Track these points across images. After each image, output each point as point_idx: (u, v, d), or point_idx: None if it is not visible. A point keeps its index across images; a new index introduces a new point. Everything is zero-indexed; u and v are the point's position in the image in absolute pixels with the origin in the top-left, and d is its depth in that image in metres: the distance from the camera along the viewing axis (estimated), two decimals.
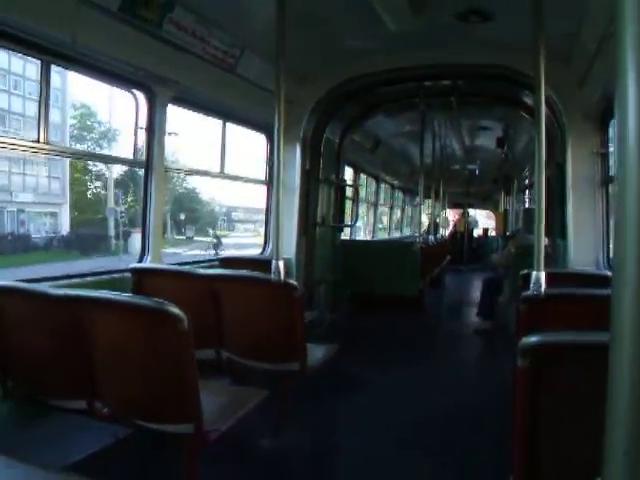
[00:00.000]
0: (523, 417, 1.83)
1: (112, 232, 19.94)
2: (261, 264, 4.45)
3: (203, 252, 19.84)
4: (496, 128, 10.08)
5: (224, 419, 2.54)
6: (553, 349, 1.78)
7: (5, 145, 3.47)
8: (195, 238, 25.55)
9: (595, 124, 5.04)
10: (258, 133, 6.09)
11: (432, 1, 4.29)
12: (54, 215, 20.91)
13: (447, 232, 18.73)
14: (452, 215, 21.24)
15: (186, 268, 4.25)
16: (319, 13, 4.50)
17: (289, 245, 5.83)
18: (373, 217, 13.57)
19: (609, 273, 4.27)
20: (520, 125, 9.05)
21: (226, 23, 4.42)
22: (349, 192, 8.20)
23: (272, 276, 3.35)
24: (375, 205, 13.59)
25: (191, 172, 6.14)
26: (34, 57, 3.49)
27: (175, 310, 2.25)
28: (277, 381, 3.56)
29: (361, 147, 9.66)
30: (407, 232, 17.19)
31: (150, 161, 4.35)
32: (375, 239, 13.38)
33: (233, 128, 5.61)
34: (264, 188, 6.21)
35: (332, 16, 4.61)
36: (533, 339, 1.76)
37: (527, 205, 13.63)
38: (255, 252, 6.45)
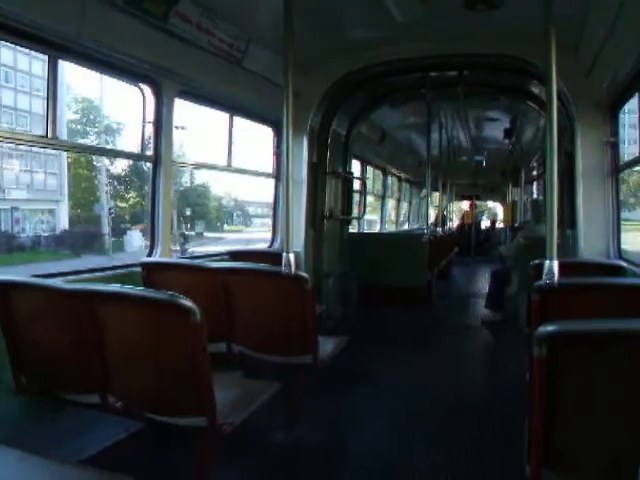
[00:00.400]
0: (540, 407, 1.82)
1: (107, 229, 19.37)
2: (270, 257, 4.45)
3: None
4: (503, 119, 10.02)
5: (237, 412, 2.53)
6: (570, 338, 1.76)
7: (13, 140, 3.48)
8: (206, 234, 25.14)
9: (604, 113, 4.99)
10: (265, 126, 6.06)
11: None
12: (52, 212, 20.36)
13: (455, 224, 18.71)
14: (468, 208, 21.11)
15: (196, 262, 4.25)
16: (325, 4, 4.48)
17: (297, 238, 5.81)
18: (381, 210, 13.56)
19: (621, 263, 4.25)
20: (528, 116, 9.00)
21: (232, 15, 4.40)
22: (357, 185, 8.18)
23: (283, 269, 3.34)
24: (383, 198, 13.56)
25: (199, 166, 6.12)
26: (40, 52, 3.49)
27: (187, 303, 2.24)
28: (289, 374, 3.55)
29: (368, 139, 9.64)
30: (415, 225, 17.15)
31: (158, 155, 4.33)
32: (383, 232, 13.36)
33: (241, 121, 5.60)
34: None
35: (338, 7, 4.58)
36: (550, 328, 1.75)
37: (535, 196, 13.58)
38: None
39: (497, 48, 5.42)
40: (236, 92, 5.08)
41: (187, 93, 4.58)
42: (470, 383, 4.86)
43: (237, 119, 5.50)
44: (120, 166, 22.80)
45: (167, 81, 4.26)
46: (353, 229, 8.97)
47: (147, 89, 4.25)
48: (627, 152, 5.24)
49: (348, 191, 7.62)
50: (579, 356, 1.77)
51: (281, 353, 3.47)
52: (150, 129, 4.32)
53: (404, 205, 16.66)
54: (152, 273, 3.76)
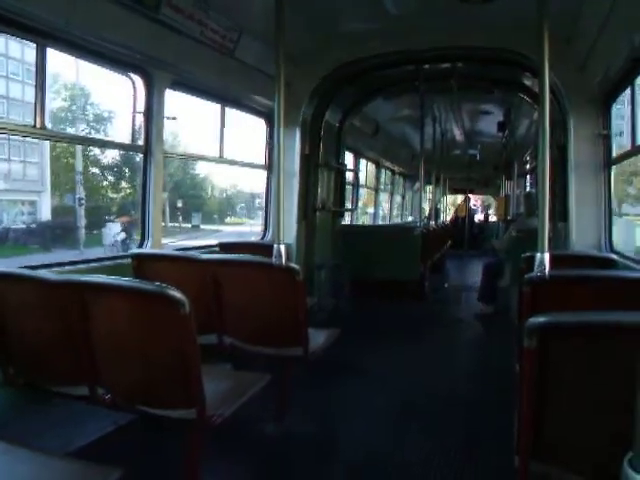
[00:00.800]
0: (529, 398, 1.82)
1: (82, 222, 17.70)
2: (260, 249, 4.43)
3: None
4: (497, 112, 10.04)
5: (227, 404, 2.53)
6: (560, 330, 1.76)
7: (2, 130, 3.44)
8: (203, 227, 24.50)
9: (597, 106, 4.99)
10: (257, 117, 6.03)
11: None
12: (33, 204, 19.10)
13: (448, 217, 18.74)
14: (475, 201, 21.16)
15: (187, 253, 4.23)
16: None
17: (289, 230, 5.80)
18: (374, 203, 13.57)
19: (613, 256, 4.26)
20: (521, 109, 9.00)
21: (224, 6, 4.36)
22: (349, 177, 8.17)
23: (274, 260, 3.33)
24: (376, 191, 13.55)
25: (190, 157, 6.10)
26: (28, 40, 3.44)
27: (176, 294, 2.23)
28: (279, 366, 3.55)
29: (361, 132, 9.63)
30: (409, 218, 17.18)
31: (149, 146, 4.31)
32: (376, 224, 13.36)
33: (235, 113, 5.57)
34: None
35: None
36: (540, 320, 1.75)
37: (528, 189, 13.60)
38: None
39: (491, 41, 5.42)
40: (228, 83, 5.05)
41: (179, 84, 4.55)
42: (462, 375, 4.87)
43: (231, 110, 5.48)
44: (98, 152, 21.62)
45: (158, 72, 4.23)
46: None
47: (138, 79, 4.22)
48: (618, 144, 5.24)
49: (341, 183, 7.61)
50: (569, 348, 1.77)
51: (272, 345, 3.47)
52: (141, 119, 4.29)
53: (397, 198, 16.67)
54: (142, 264, 3.74)
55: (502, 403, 3.22)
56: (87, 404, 2.73)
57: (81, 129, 20.82)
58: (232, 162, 5.74)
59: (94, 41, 3.66)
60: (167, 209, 20.03)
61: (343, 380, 4.58)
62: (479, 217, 21.83)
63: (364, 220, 14.49)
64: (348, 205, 8.37)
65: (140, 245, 4.38)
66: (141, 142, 4.35)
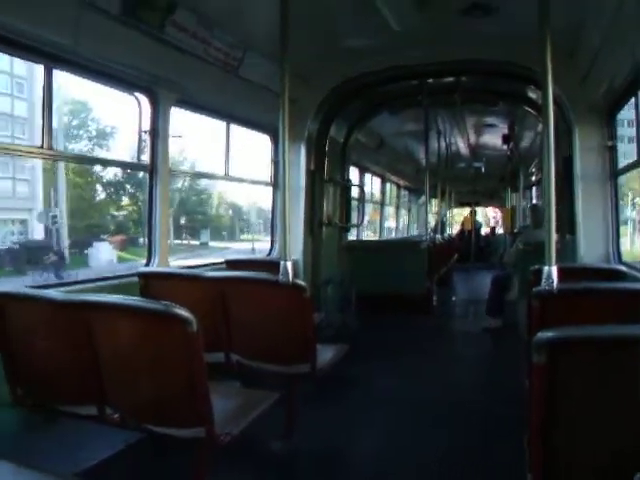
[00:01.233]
0: (540, 415, 1.79)
1: (63, 242, 16.55)
2: (267, 266, 4.43)
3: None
4: (501, 125, 10.04)
5: (236, 422, 2.51)
6: (570, 344, 1.74)
7: (9, 152, 3.47)
8: (212, 244, 24.03)
9: (602, 117, 5.00)
10: (262, 134, 6.06)
11: None
12: (24, 223, 18.18)
13: (454, 231, 18.71)
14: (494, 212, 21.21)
15: (193, 271, 4.23)
16: (321, 12, 4.48)
17: (295, 246, 5.80)
18: (380, 218, 13.57)
19: (621, 267, 4.22)
20: (526, 121, 9.01)
21: (228, 24, 4.40)
22: (355, 193, 8.18)
23: (280, 277, 3.32)
24: (382, 205, 13.56)
25: (196, 175, 6.13)
26: (36, 62, 3.48)
27: (184, 313, 2.22)
28: (287, 383, 3.53)
29: (366, 147, 9.65)
30: (415, 232, 17.15)
31: (154, 164, 4.33)
32: (382, 239, 13.35)
33: (241, 130, 5.60)
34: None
35: (335, 15, 4.59)
36: (549, 334, 1.73)
37: (534, 201, 13.57)
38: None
39: (494, 54, 5.44)
40: (233, 100, 5.08)
41: (184, 102, 4.58)
42: (470, 391, 4.82)
43: (236, 127, 5.51)
44: (87, 166, 20.83)
45: (163, 90, 4.26)
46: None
47: (143, 98, 4.25)
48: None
49: (346, 198, 7.62)
50: (579, 362, 1.74)
51: (280, 362, 3.45)
52: (146, 137, 4.31)
53: (403, 212, 16.66)
54: (149, 283, 3.74)
55: (513, 419, 3.19)
56: (95, 423, 2.72)
57: (84, 146, 20.66)
58: (238, 179, 5.75)
59: (100, 61, 3.70)
60: (171, 227, 19.49)
61: (351, 396, 4.55)
62: (485, 230, 21.80)
63: (369, 234, 14.46)
64: (354, 220, 8.36)
65: (147, 264, 4.38)
66: (146, 159, 4.37)
